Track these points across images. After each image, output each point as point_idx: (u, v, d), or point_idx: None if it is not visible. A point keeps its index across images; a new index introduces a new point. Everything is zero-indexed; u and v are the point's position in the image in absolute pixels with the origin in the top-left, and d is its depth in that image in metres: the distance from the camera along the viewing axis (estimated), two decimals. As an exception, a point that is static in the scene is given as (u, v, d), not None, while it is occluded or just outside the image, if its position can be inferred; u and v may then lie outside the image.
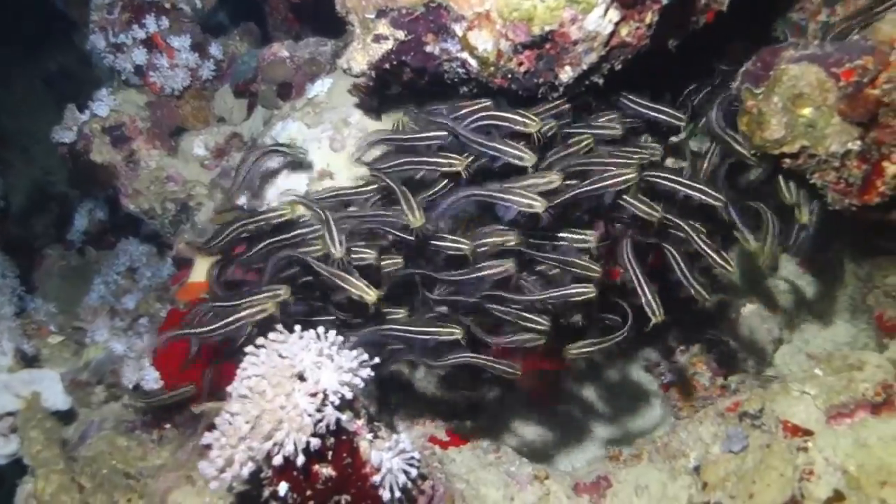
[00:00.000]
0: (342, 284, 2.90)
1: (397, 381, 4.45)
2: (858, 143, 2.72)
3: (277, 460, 2.58)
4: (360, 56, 2.90)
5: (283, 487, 2.63)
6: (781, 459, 3.16)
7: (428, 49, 2.81)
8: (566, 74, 2.74)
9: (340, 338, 2.84)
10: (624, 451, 3.90)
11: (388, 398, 4.28)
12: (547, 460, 4.29)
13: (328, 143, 3.33)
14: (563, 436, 4.70)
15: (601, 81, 2.88)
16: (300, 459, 2.60)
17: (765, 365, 4.33)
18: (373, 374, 2.89)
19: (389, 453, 2.81)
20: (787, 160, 2.86)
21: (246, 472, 2.61)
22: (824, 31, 2.98)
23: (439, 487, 3.24)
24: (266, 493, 2.69)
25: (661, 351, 4.45)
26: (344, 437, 2.78)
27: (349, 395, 2.73)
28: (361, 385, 2.78)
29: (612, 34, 2.71)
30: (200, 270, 3.99)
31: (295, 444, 2.59)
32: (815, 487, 2.99)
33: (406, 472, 2.81)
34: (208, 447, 2.65)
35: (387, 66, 2.95)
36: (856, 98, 2.63)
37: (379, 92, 3.30)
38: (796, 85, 2.73)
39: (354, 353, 2.83)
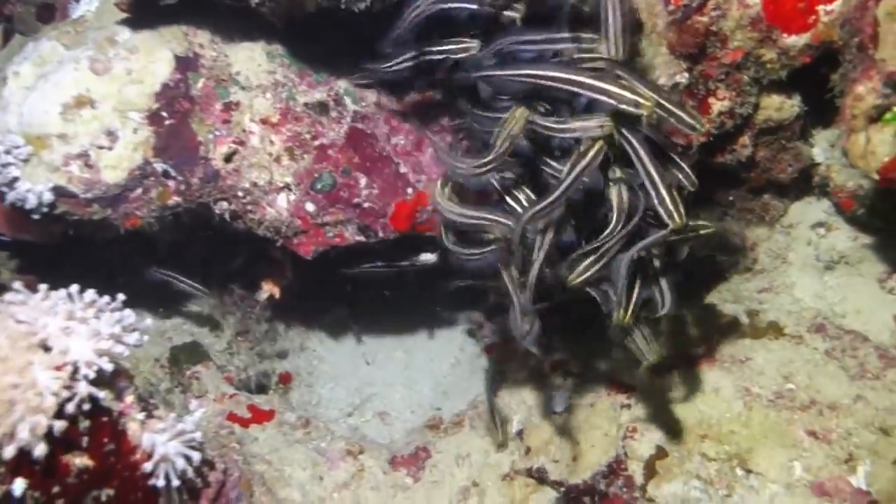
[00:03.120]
0: None
1: (194, 349, 3.92)
2: (686, 75, 2.55)
3: (8, 452, 2.04)
4: (115, -54, 2.33)
5: (18, 486, 2.09)
6: (605, 418, 3.02)
7: (204, -58, 2.29)
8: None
9: (105, 298, 2.32)
10: (445, 418, 3.65)
11: (182, 369, 3.75)
12: (362, 433, 3.95)
13: (88, 65, 2.71)
14: (381, 405, 4.39)
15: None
16: (40, 449, 2.07)
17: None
18: (145, 338, 2.40)
19: (165, 435, 2.35)
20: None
21: (-37, 470, 2.04)
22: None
23: (233, 472, 2.82)
24: (-2, 493, 2.13)
25: (485, 311, 4.21)
26: (105, 419, 2.30)
27: (109, 368, 2.23)
28: (126, 353, 2.28)
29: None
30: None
31: (32, 430, 2.05)
32: (638, 445, 2.88)
33: (187, 458, 2.36)
34: (-88, 442, 2.05)
35: (152, -39, 2.40)
36: (684, 25, 2.45)
37: (146, 2, 2.72)
38: (625, 8, 2.52)
39: (118, 315, 2.31)
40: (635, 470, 2.85)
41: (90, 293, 2.29)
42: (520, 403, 3.35)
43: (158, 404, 2.58)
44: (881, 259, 3.13)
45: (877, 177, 2.15)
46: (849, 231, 3.23)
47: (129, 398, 2.38)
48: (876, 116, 2.15)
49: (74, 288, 2.26)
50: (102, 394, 2.22)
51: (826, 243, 3.27)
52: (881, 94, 2.12)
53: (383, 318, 4.58)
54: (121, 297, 2.37)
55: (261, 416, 3.49)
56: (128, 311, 2.36)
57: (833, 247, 3.25)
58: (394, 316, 4.57)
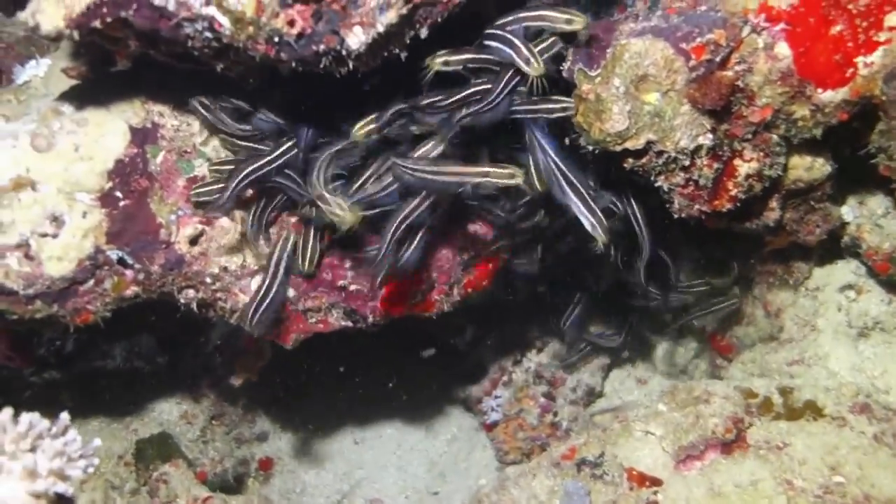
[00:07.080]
0: None
1: (162, 442, 3.54)
2: (710, 136, 2.26)
3: None
4: (53, 7, 1.98)
5: None
6: (630, 520, 2.66)
7: (158, 2, 1.96)
8: (356, 39, 2.01)
9: (44, 423, 1.95)
10: (445, 513, 3.30)
11: (148, 467, 3.41)
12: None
13: (28, 141, 2.37)
14: (372, 490, 4.03)
15: (404, 55, 2.20)
16: None
17: (594, 395, 3.89)
18: (95, 462, 2.04)
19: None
20: (630, 159, 2.35)
21: None
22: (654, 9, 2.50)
23: None
24: None
25: (483, 387, 3.87)
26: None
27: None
28: (70, 492, 1.91)
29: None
30: None
31: None
32: (671, 554, 2.52)
33: None
34: None
35: (97, 24, 2.05)
36: (707, 81, 2.16)
37: (97, 68, 2.39)
38: (640, 64, 2.21)
39: (60, 442, 1.95)
40: (669, 584, 2.51)
41: (26, 419, 1.92)
42: (530, 498, 2.98)
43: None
44: (921, 325, 2.85)
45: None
46: (882, 294, 2.95)
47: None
48: (940, 182, 1.86)
49: (6, 415, 1.89)
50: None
51: (857, 308, 2.99)
52: (945, 158, 1.83)
53: (371, 390, 4.23)
54: (64, 417, 2.00)
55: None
56: (72, 434, 1.99)
57: (866, 311, 2.96)
58: (383, 388, 4.22)
